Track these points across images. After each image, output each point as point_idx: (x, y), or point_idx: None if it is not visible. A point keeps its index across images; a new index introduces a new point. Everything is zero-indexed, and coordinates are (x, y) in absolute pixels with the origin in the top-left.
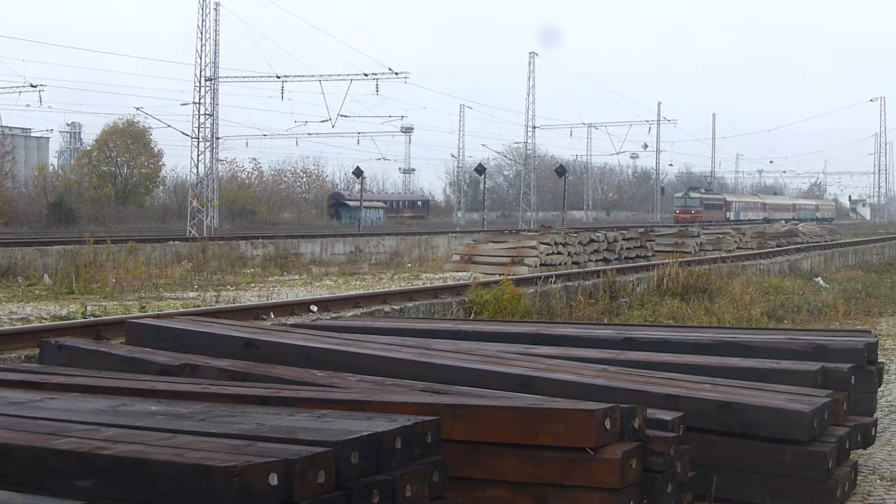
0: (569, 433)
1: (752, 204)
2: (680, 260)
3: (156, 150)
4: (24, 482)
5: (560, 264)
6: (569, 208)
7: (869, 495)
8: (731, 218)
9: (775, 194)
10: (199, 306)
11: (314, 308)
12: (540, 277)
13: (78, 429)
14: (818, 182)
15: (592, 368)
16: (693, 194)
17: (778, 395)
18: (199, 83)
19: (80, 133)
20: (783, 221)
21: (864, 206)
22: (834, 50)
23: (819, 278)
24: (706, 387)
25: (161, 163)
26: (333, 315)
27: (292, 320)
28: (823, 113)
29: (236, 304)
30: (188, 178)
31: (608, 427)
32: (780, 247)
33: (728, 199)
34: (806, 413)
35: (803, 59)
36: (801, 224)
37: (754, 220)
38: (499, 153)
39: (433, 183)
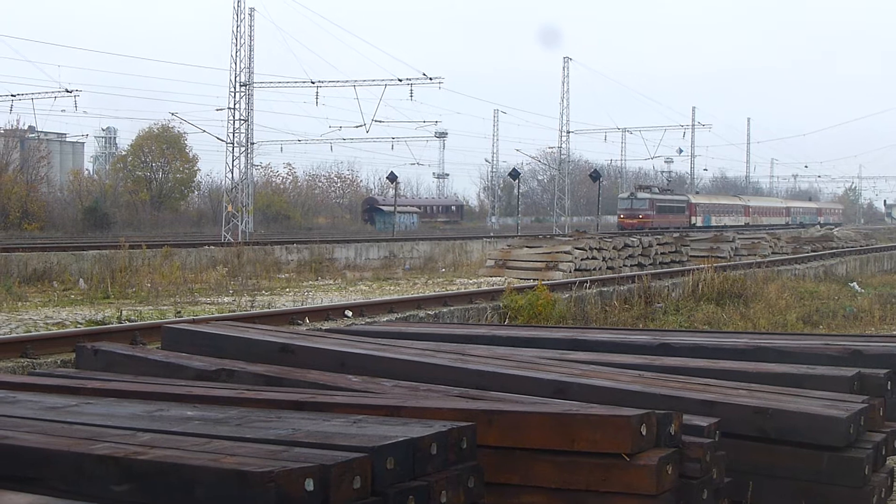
0: (605, 439)
1: (726, 207)
2: (715, 265)
3: (191, 155)
4: (61, 487)
5: (595, 269)
6: (603, 213)
7: None
8: (698, 224)
9: (804, 196)
10: (234, 311)
11: (349, 313)
12: (574, 283)
13: (114, 434)
14: (853, 186)
15: (628, 374)
16: (641, 195)
17: (814, 400)
18: (234, 88)
19: (115, 138)
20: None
21: None
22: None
23: (854, 283)
24: (742, 392)
25: (196, 168)
26: (368, 320)
27: (327, 325)
28: (860, 117)
29: (271, 309)
30: (223, 183)
31: (644, 433)
32: (815, 251)
33: (693, 202)
34: (842, 419)
35: (841, 61)
36: (837, 229)
37: (730, 226)
38: (533, 158)
39: (467, 188)
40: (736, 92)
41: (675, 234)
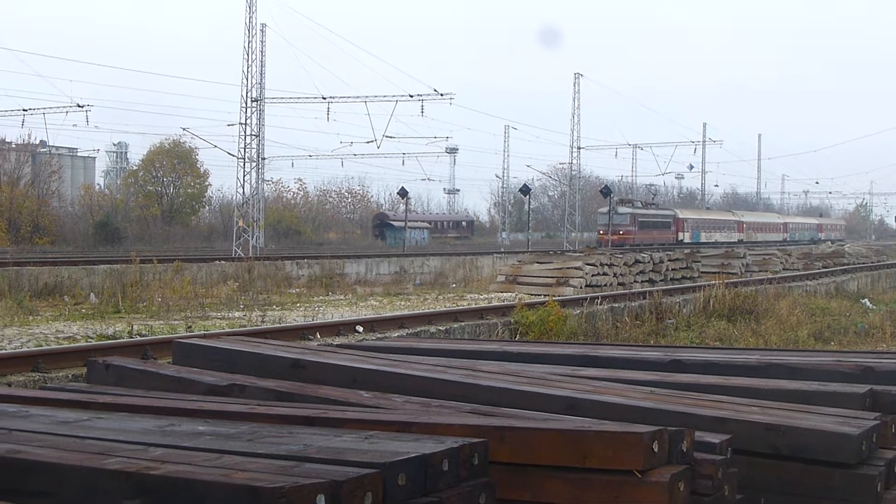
0: (616, 456)
1: (717, 223)
2: (726, 281)
3: (202, 170)
4: (73, 501)
5: (605, 285)
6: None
7: None
8: (686, 240)
9: (818, 211)
10: (244, 326)
11: (360, 328)
12: (585, 299)
13: (126, 449)
14: (864, 203)
15: (640, 391)
16: (622, 209)
17: (826, 417)
18: (246, 104)
19: (126, 153)
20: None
21: None
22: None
23: (866, 300)
24: (754, 409)
25: (207, 183)
26: (379, 335)
27: (338, 340)
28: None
29: (283, 325)
30: (234, 198)
31: (656, 450)
32: (826, 268)
33: (680, 216)
34: (854, 436)
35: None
36: (848, 245)
37: (722, 243)
38: (543, 174)
39: (478, 203)
40: (747, 108)
41: (686, 251)
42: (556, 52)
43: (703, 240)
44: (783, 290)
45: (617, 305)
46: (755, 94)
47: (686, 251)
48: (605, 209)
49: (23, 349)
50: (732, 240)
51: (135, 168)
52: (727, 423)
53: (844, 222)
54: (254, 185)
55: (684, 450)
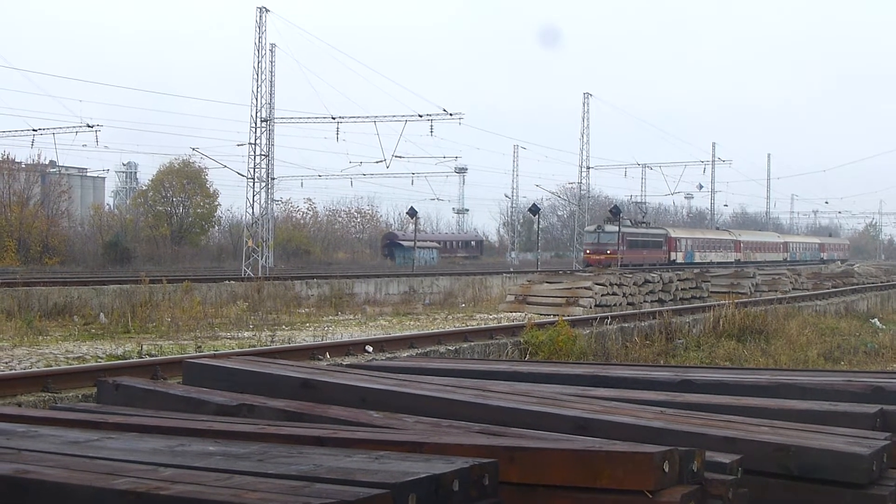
0: (627, 476)
1: (712, 242)
2: (736, 301)
3: (211, 190)
4: None
5: (615, 305)
6: None
7: None
8: (679, 260)
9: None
10: (254, 346)
11: (369, 348)
12: (595, 318)
13: (136, 469)
14: (874, 222)
15: (650, 411)
16: (610, 227)
17: (836, 437)
18: (255, 124)
19: (135, 173)
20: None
21: None
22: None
23: (875, 319)
24: (764, 429)
25: (216, 203)
26: (389, 355)
27: (348, 360)
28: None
29: (292, 345)
30: (243, 218)
31: (667, 470)
32: (835, 287)
33: (673, 236)
34: (865, 456)
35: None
36: (857, 265)
37: (718, 263)
38: (553, 193)
39: (487, 223)
40: (756, 127)
41: (696, 270)
42: (566, 72)
43: (697, 260)
44: (793, 309)
45: (627, 325)
46: (764, 113)
47: (696, 271)
48: (592, 227)
49: (32, 369)
50: (729, 260)
51: (144, 188)
52: (738, 443)
53: (848, 241)
54: (263, 205)
55: (695, 470)
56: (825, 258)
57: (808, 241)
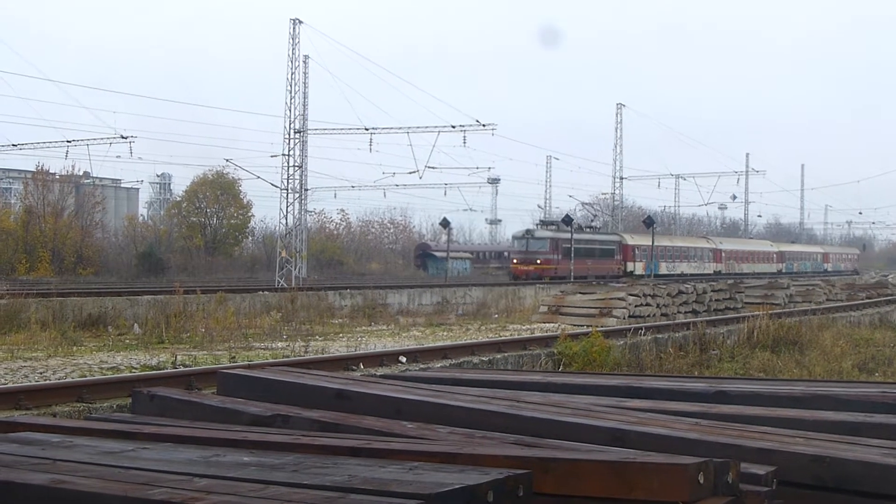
0: (662, 488)
1: (685, 251)
2: (770, 312)
3: (245, 200)
4: None
5: (649, 316)
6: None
7: None
8: (637, 271)
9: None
10: (288, 356)
11: (403, 359)
12: (629, 329)
13: (171, 479)
14: None
15: (684, 422)
16: (541, 233)
17: (872, 449)
18: (289, 135)
19: (169, 184)
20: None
21: None
22: None
23: None
24: (799, 441)
25: (250, 214)
26: (422, 366)
27: (381, 371)
28: None
29: (326, 355)
30: (277, 228)
31: (702, 481)
32: (869, 298)
33: (629, 243)
34: None
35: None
36: (892, 275)
37: (692, 275)
38: (586, 204)
39: None
40: (790, 138)
41: (730, 281)
42: (599, 83)
43: (663, 271)
44: (827, 320)
45: (660, 336)
46: (798, 123)
47: (729, 282)
48: (520, 233)
49: (67, 379)
50: (706, 271)
51: (178, 199)
52: (773, 454)
53: (858, 251)
54: (297, 216)
55: (730, 481)
56: (829, 269)
57: (808, 251)
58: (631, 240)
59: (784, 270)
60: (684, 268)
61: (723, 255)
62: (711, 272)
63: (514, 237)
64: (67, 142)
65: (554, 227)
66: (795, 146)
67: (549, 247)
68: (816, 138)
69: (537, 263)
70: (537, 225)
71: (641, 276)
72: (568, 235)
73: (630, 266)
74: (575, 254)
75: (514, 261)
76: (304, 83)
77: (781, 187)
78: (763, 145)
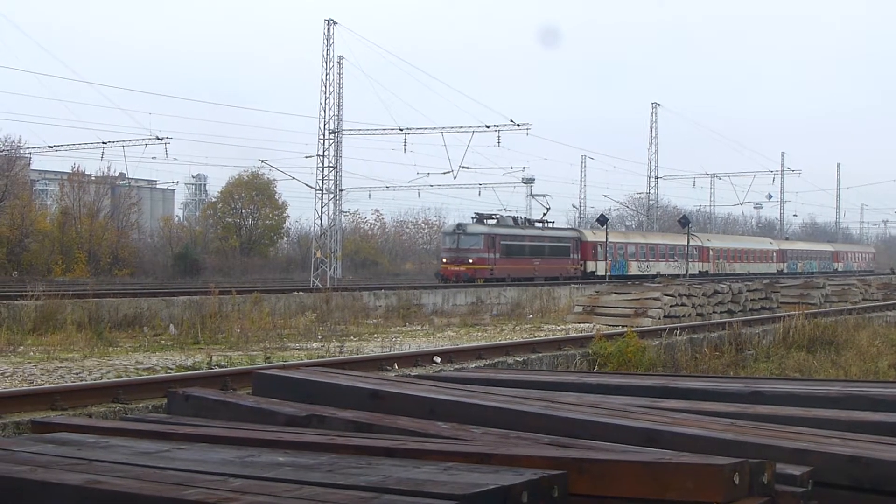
0: (697, 488)
1: (659, 249)
2: (805, 312)
3: (280, 201)
4: None
5: (684, 316)
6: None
7: None
8: (599, 272)
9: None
10: (322, 356)
11: (437, 359)
12: (664, 329)
13: (206, 479)
14: None
15: (720, 423)
16: (474, 228)
17: None
18: (324, 136)
19: (205, 185)
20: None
21: None
22: None
23: None
24: (835, 441)
25: (285, 214)
26: (456, 366)
27: (416, 371)
28: None
29: (361, 355)
30: (312, 229)
31: (737, 482)
32: None
33: (589, 240)
34: None
35: None
36: None
37: (668, 276)
38: (620, 203)
39: None
40: (826, 137)
41: (765, 281)
42: (633, 82)
43: (633, 272)
44: (863, 320)
45: (696, 336)
46: (834, 122)
47: (765, 282)
48: (450, 227)
49: (103, 380)
50: (694, 271)
51: (213, 200)
52: (808, 454)
53: (874, 249)
54: (331, 217)
55: (765, 482)
56: (840, 268)
57: (815, 249)
58: (592, 236)
59: (785, 270)
60: (661, 268)
61: (710, 253)
62: (697, 272)
63: (444, 233)
64: (103, 143)
65: (493, 220)
66: (831, 145)
67: (483, 244)
68: (852, 137)
69: (469, 263)
70: (477, 218)
71: (604, 278)
72: (511, 231)
73: (591, 266)
74: (518, 251)
75: (444, 260)
76: (339, 84)
77: (817, 186)
78: (799, 144)
